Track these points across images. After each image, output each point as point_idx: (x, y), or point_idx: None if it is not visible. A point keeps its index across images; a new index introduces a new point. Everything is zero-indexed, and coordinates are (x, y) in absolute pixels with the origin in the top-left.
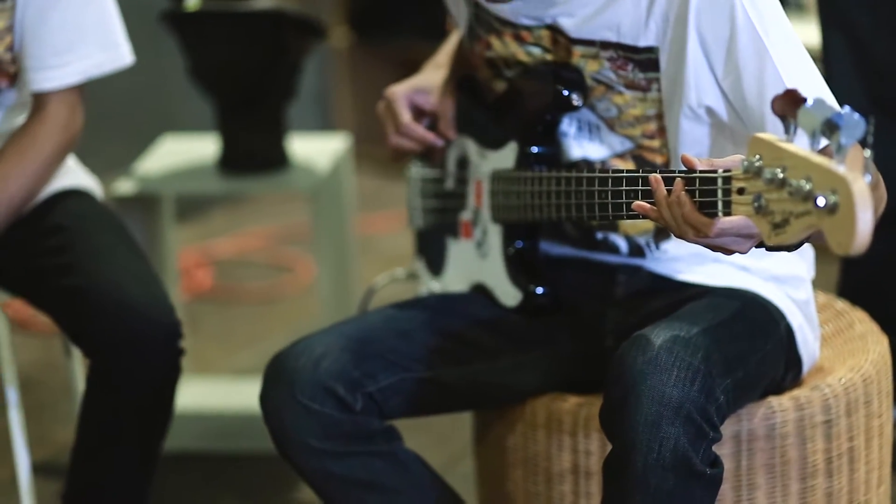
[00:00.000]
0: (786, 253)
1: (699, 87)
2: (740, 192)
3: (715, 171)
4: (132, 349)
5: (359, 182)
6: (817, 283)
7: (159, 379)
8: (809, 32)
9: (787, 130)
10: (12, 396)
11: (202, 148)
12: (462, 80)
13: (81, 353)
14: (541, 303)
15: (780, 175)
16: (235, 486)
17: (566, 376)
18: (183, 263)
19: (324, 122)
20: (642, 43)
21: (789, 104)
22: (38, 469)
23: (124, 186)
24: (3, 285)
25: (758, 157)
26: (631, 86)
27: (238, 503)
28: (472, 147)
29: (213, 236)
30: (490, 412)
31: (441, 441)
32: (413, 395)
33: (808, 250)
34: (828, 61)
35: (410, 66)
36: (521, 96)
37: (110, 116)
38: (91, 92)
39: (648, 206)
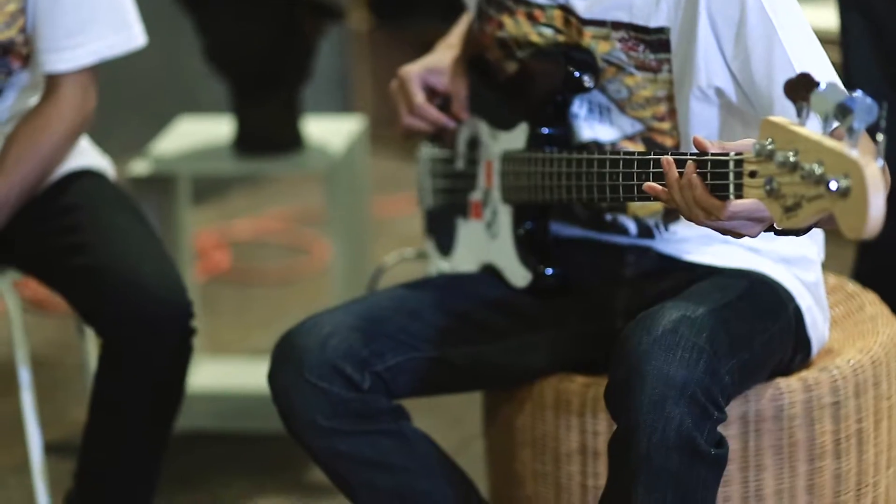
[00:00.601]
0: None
1: (709, 68)
2: (752, 175)
3: (727, 154)
4: (143, 328)
5: (376, 165)
6: (831, 266)
7: (171, 358)
8: (827, 15)
9: (799, 114)
10: (24, 377)
11: (218, 129)
12: (473, 60)
13: (94, 332)
14: (550, 283)
15: (793, 158)
16: (247, 465)
17: (575, 357)
18: (201, 244)
19: (343, 105)
20: (653, 23)
21: (802, 88)
22: (53, 448)
23: (139, 167)
24: (16, 264)
25: (770, 140)
26: (642, 67)
27: (249, 483)
28: (482, 128)
29: (231, 218)
30: (499, 392)
31: (453, 422)
32: (421, 374)
33: (817, 232)
34: (846, 44)
35: (429, 50)
36: (533, 77)
37: (128, 98)
38: (108, 73)
39: (660, 187)
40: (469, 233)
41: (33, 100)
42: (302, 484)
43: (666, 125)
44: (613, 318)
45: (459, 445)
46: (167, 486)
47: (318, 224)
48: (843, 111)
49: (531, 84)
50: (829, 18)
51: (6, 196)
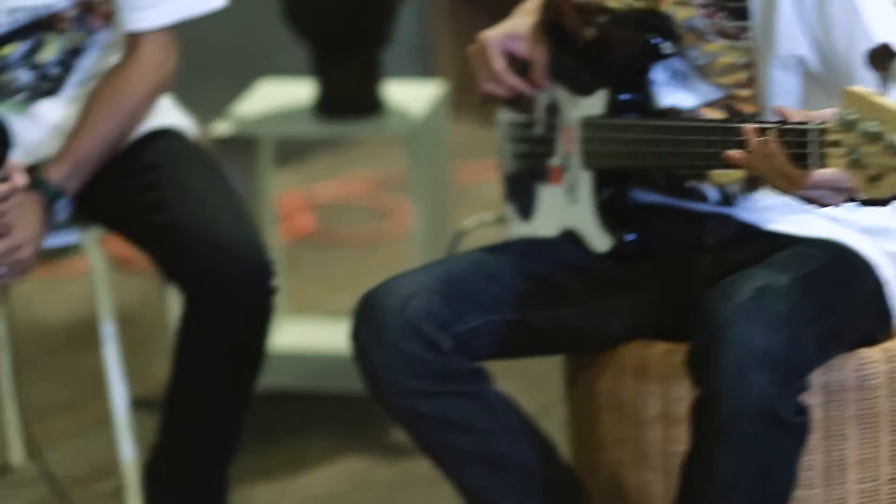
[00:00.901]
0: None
1: (790, 36)
2: (834, 144)
3: (809, 123)
4: (222, 287)
5: (458, 131)
6: None
7: (250, 316)
8: None
9: (881, 84)
10: (108, 330)
11: (299, 92)
12: (551, 26)
13: (175, 289)
14: (631, 249)
15: (875, 129)
16: (330, 425)
17: (655, 323)
18: (285, 207)
19: (425, 71)
20: None
21: (884, 58)
22: (138, 403)
23: (222, 128)
24: (100, 221)
25: (852, 110)
26: (722, 34)
27: (332, 442)
28: (561, 93)
29: (314, 181)
30: (580, 357)
31: (535, 387)
32: (501, 337)
33: None
34: None
35: (509, 15)
36: (611, 43)
37: (209, 60)
38: (189, 35)
39: (741, 155)
40: (549, 198)
41: (113, 59)
42: (384, 444)
43: (747, 93)
44: (694, 284)
45: (541, 410)
46: (250, 443)
47: (400, 188)
48: None
49: (609, 50)
50: None
51: (88, 153)
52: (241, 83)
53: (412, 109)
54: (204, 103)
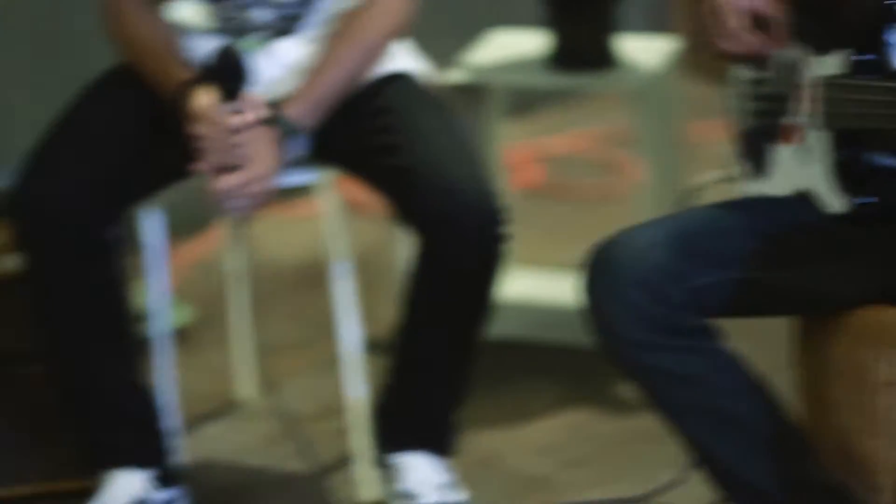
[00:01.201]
0: None
1: None
2: None
3: None
4: (455, 231)
5: (691, 89)
6: None
7: (481, 261)
8: None
9: None
10: (342, 270)
11: (531, 43)
12: None
13: (409, 232)
14: (868, 212)
15: None
16: (555, 376)
17: (891, 288)
18: (515, 158)
19: (658, 26)
20: None
21: None
22: (369, 345)
23: (454, 76)
24: (334, 162)
25: None
26: None
27: (554, 394)
28: (798, 51)
29: (543, 133)
30: (812, 320)
31: (765, 347)
32: (731, 295)
33: None
34: None
35: None
36: (849, 3)
37: (442, 8)
38: None
39: None
40: (782, 157)
41: (350, 1)
42: (607, 398)
43: None
44: None
45: (770, 371)
46: (475, 390)
47: (629, 144)
48: None
49: (847, 10)
50: None
51: (325, 92)
52: (473, 32)
53: (645, 65)
54: (438, 51)
